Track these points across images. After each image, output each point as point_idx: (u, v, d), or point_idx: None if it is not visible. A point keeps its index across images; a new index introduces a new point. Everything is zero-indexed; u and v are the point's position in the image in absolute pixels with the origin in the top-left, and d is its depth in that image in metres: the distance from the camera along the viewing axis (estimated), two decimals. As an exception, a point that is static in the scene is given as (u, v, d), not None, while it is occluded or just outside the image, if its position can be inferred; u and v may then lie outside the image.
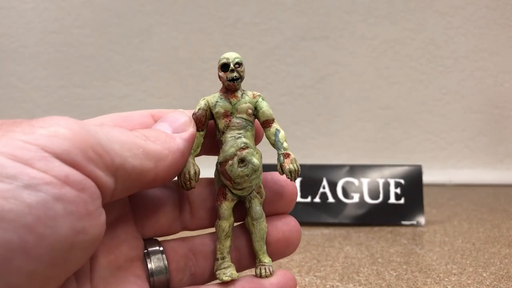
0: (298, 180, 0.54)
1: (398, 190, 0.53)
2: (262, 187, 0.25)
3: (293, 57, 0.81)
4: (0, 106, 0.84)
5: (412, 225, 0.52)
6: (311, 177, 0.55)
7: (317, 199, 0.54)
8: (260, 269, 0.24)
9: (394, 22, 0.80)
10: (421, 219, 0.52)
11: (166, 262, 0.24)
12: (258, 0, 0.80)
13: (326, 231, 0.51)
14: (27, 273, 0.16)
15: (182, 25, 0.82)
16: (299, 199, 0.54)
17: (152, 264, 0.24)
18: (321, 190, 0.54)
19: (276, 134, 0.25)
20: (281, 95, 0.82)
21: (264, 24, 0.81)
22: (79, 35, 0.83)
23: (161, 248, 0.25)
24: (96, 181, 0.18)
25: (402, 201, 0.53)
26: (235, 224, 0.26)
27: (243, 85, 0.25)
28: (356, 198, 0.54)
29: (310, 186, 0.54)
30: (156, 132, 0.22)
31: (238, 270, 0.25)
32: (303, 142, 0.82)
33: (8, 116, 0.83)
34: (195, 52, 0.82)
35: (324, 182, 0.54)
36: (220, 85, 0.25)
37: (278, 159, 0.24)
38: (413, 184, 0.54)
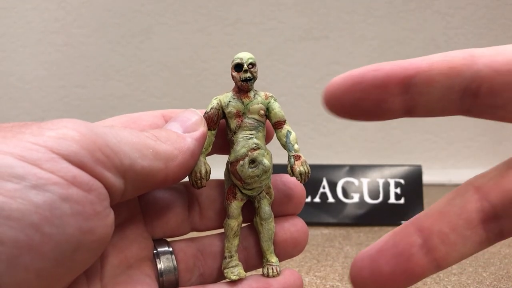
0: (298, 180, 0.54)
1: (398, 190, 0.53)
2: (272, 187, 0.25)
3: (293, 57, 0.81)
4: (0, 106, 0.84)
5: (412, 225, 0.52)
6: (311, 177, 0.54)
7: (317, 199, 0.54)
8: (268, 268, 0.24)
9: (394, 22, 0.80)
10: (421, 219, 0.52)
11: (175, 262, 0.24)
12: (258, 0, 0.80)
13: (326, 231, 0.51)
14: (35, 270, 0.16)
15: (182, 25, 0.81)
16: (299, 199, 0.54)
17: (161, 264, 0.24)
18: (321, 190, 0.54)
19: (287, 135, 0.25)
20: (281, 95, 0.82)
21: (264, 24, 0.81)
22: (79, 35, 0.83)
23: (170, 249, 0.25)
24: (104, 182, 0.18)
25: (402, 201, 0.53)
26: (243, 225, 0.26)
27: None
28: (356, 198, 0.54)
29: (310, 186, 0.54)
30: (167, 132, 0.22)
31: (246, 270, 0.25)
32: (303, 142, 0.82)
33: (7, 116, 0.83)
34: (195, 52, 0.82)
35: (324, 182, 0.54)
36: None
37: (289, 160, 0.24)
38: (413, 184, 0.54)
